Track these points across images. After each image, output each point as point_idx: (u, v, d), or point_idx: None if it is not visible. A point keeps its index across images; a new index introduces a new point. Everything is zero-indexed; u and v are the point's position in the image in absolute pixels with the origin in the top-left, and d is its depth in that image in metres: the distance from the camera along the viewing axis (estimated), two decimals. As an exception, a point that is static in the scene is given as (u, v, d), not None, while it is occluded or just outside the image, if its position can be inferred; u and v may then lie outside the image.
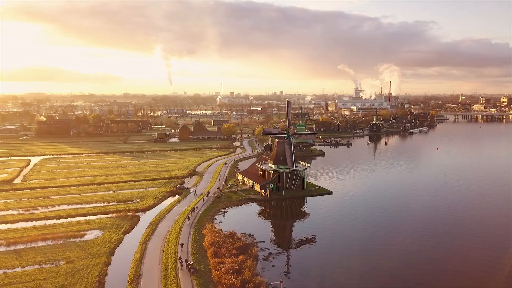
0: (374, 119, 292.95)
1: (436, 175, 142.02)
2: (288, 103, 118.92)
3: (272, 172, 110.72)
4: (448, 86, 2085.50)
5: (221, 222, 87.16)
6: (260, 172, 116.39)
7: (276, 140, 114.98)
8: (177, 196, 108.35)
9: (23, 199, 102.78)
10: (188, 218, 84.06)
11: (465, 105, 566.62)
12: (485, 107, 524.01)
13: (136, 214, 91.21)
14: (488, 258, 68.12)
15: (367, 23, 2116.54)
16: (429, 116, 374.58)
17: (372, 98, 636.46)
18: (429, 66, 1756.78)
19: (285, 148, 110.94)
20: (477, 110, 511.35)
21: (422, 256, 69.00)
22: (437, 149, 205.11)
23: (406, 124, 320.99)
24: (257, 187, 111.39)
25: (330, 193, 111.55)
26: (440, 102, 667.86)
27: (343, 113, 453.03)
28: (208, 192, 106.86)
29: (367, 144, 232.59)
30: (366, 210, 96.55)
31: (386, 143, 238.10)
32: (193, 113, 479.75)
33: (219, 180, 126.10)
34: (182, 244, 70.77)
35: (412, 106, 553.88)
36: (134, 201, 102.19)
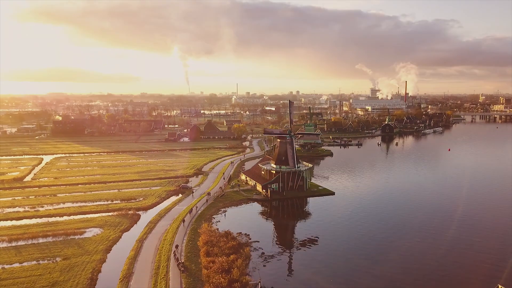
0: (387, 119, 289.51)
1: (444, 177, 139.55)
2: (291, 103, 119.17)
3: (274, 172, 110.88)
4: (469, 85, 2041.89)
5: (219, 221, 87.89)
6: (262, 172, 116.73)
7: (278, 140, 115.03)
8: (180, 195, 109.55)
9: (30, 197, 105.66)
10: (184, 221, 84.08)
11: (485, 105, 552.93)
12: (505, 107, 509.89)
13: (137, 212, 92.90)
14: (490, 263, 66.96)
15: (385, 22, 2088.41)
16: (445, 116, 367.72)
17: (389, 98, 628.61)
18: (449, 65, 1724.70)
19: (287, 148, 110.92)
20: (496, 111, 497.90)
21: (423, 260, 67.78)
22: (449, 150, 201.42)
23: (420, 125, 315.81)
24: (259, 187, 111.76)
25: (332, 193, 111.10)
26: (459, 102, 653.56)
27: (357, 113, 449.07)
28: (209, 193, 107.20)
29: (378, 144, 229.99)
30: (366, 211, 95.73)
31: (397, 144, 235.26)
32: (207, 113, 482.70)
33: (224, 178, 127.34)
34: (177, 246, 71.06)
35: (429, 106, 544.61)
36: (137, 199, 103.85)
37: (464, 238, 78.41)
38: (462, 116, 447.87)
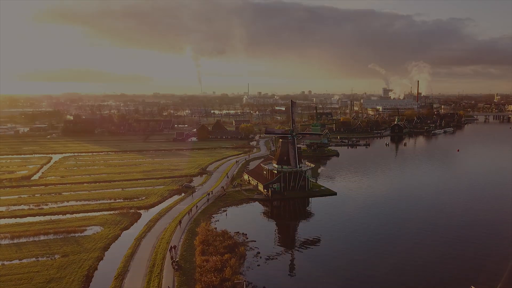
0: (396, 119, 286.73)
1: (449, 178, 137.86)
2: (293, 103, 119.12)
3: (275, 172, 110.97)
4: (485, 85, 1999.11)
5: (218, 221, 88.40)
6: (264, 172, 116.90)
7: (280, 140, 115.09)
8: (182, 195, 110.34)
9: (36, 195, 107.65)
10: (180, 221, 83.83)
11: (499, 105, 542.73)
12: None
13: (138, 211, 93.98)
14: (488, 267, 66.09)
15: (399, 21, 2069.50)
16: (457, 116, 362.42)
17: (401, 97, 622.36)
18: (464, 64, 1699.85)
19: (289, 148, 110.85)
20: (511, 111, 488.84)
21: (423, 262, 66.99)
22: (458, 150, 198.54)
23: (431, 125, 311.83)
24: (261, 187, 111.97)
25: (334, 194, 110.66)
26: (473, 102, 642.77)
27: (367, 113, 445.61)
28: (209, 193, 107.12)
29: (386, 145, 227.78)
30: (367, 212, 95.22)
31: (405, 144, 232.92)
32: (217, 113, 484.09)
33: (227, 177, 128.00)
34: (175, 247, 71.10)
35: (442, 106, 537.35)
36: (140, 198, 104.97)
37: (465, 239, 77.45)
38: (475, 116, 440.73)
